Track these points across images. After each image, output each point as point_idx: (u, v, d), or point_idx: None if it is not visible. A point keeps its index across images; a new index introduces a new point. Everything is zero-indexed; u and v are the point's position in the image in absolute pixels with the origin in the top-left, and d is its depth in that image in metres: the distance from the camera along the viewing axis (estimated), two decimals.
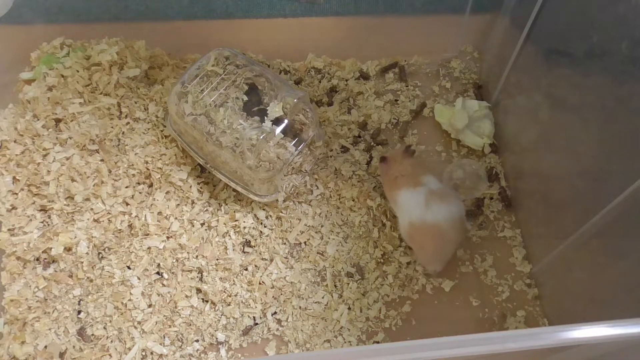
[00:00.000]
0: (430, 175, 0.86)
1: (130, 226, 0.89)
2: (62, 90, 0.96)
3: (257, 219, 0.92)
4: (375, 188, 0.95)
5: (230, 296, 0.86)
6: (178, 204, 0.91)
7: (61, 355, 0.81)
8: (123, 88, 0.98)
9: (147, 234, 0.89)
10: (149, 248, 0.88)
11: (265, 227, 0.91)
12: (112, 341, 0.82)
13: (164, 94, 1.00)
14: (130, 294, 0.84)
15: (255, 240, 0.90)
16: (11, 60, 1.04)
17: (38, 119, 0.95)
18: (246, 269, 0.88)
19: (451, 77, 1.10)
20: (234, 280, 0.87)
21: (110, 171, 0.92)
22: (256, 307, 0.85)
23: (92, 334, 0.82)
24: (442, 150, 1.02)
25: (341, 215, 0.93)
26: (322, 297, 0.86)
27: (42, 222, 0.89)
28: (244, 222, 0.90)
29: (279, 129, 0.84)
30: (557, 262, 0.81)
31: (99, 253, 0.88)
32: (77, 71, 0.98)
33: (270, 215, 0.92)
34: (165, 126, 0.96)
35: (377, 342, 0.83)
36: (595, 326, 0.44)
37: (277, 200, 0.91)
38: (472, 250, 0.91)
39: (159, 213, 0.90)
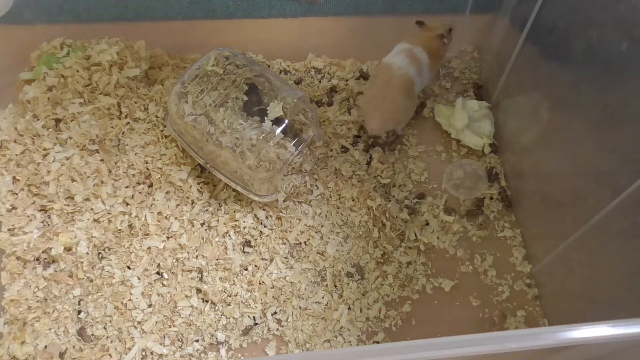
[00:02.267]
0: (426, 52, 0.97)
1: (130, 226, 0.89)
2: (62, 90, 0.96)
3: (257, 219, 0.92)
4: (375, 188, 0.95)
5: (230, 296, 0.86)
6: (178, 204, 0.91)
7: (61, 355, 0.81)
8: (123, 88, 0.98)
9: (147, 234, 0.89)
10: (149, 248, 0.88)
11: (265, 227, 0.91)
12: (112, 341, 0.82)
13: (164, 94, 1.00)
14: (130, 294, 0.84)
15: (255, 240, 0.90)
16: (11, 60, 1.04)
17: (38, 119, 0.95)
18: (246, 269, 0.88)
19: (451, 77, 1.10)
20: (234, 280, 0.87)
21: (110, 171, 0.92)
22: (256, 307, 0.85)
23: (92, 334, 0.82)
24: (442, 150, 1.02)
25: (341, 215, 0.93)
26: (322, 297, 0.86)
27: (42, 222, 0.89)
28: (244, 222, 0.91)
29: (279, 129, 0.84)
30: (557, 262, 0.81)
31: (99, 253, 0.88)
32: (77, 71, 0.98)
33: (270, 215, 0.92)
34: (165, 126, 0.96)
35: (377, 342, 0.83)
36: (595, 326, 0.44)
37: (277, 200, 0.91)
38: (472, 250, 0.91)
39: (159, 213, 0.90)
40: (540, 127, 0.86)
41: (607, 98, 0.68)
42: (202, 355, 0.82)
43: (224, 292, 0.86)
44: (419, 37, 0.98)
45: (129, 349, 0.81)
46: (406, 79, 0.94)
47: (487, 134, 1.00)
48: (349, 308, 0.85)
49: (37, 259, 0.87)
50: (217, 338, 0.83)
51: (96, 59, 0.98)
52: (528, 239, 0.91)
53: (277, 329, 0.84)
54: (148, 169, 0.93)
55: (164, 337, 0.83)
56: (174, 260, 0.87)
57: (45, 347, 0.81)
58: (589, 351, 0.52)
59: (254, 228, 0.91)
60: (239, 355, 0.83)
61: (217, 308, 0.85)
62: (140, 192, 0.92)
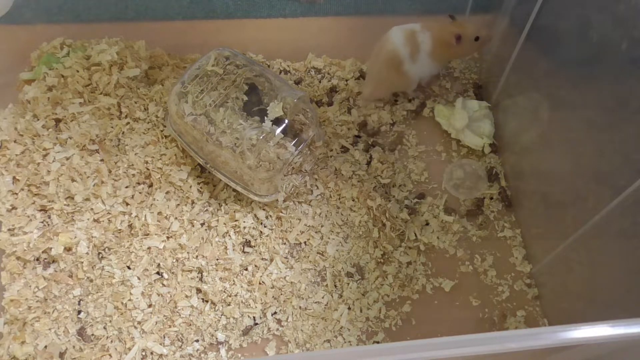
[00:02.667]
0: (432, 39, 0.96)
1: (130, 226, 0.89)
2: (62, 90, 0.96)
3: (257, 219, 0.92)
4: (376, 188, 0.95)
5: (230, 296, 0.86)
6: (178, 204, 0.91)
7: (61, 355, 0.81)
8: (123, 88, 0.98)
9: (147, 234, 0.89)
10: (149, 248, 0.88)
11: (265, 227, 0.91)
12: (112, 341, 0.82)
13: (164, 94, 1.00)
14: (130, 294, 0.84)
15: (255, 240, 0.90)
16: (11, 60, 1.04)
17: (38, 119, 0.95)
18: (246, 269, 0.88)
19: (451, 77, 1.10)
20: (234, 280, 0.87)
21: (110, 171, 0.92)
22: (256, 307, 0.85)
23: (92, 334, 0.82)
24: (442, 150, 1.02)
25: (341, 215, 0.93)
26: (322, 297, 0.86)
27: (42, 222, 0.89)
28: (244, 222, 0.91)
29: (279, 129, 0.84)
30: (557, 262, 0.81)
31: (99, 253, 0.88)
32: (77, 71, 0.98)
33: (270, 215, 0.92)
34: (165, 126, 0.96)
35: (377, 342, 0.83)
36: (595, 326, 0.44)
37: (277, 200, 0.91)
38: (472, 250, 0.91)
39: (159, 213, 0.90)
40: (540, 127, 0.86)
41: (607, 98, 0.68)
42: (202, 355, 0.82)
43: (224, 292, 0.86)
44: (437, 24, 0.97)
45: (129, 349, 0.81)
46: (393, 55, 0.96)
47: (487, 134, 1.00)
48: (349, 308, 0.85)
49: (37, 259, 0.87)
50: (217, 338, 0.83)
51: (96, 59, 0.98)
52: (528, 239, 0.91)
53: (277, 329, 0.84)
54: (148, 169, 0.93)
55: (164, 337, 0.83)
56: (174, 260, 0.87)
57: (45, 347, 0.81)
58: (589, 351, 0.52)
59: (254, 228, 0.91)
60: (239, 355, 0.83)
61: (217, 308, 0.85)
62: (140, 192, 0.92)
